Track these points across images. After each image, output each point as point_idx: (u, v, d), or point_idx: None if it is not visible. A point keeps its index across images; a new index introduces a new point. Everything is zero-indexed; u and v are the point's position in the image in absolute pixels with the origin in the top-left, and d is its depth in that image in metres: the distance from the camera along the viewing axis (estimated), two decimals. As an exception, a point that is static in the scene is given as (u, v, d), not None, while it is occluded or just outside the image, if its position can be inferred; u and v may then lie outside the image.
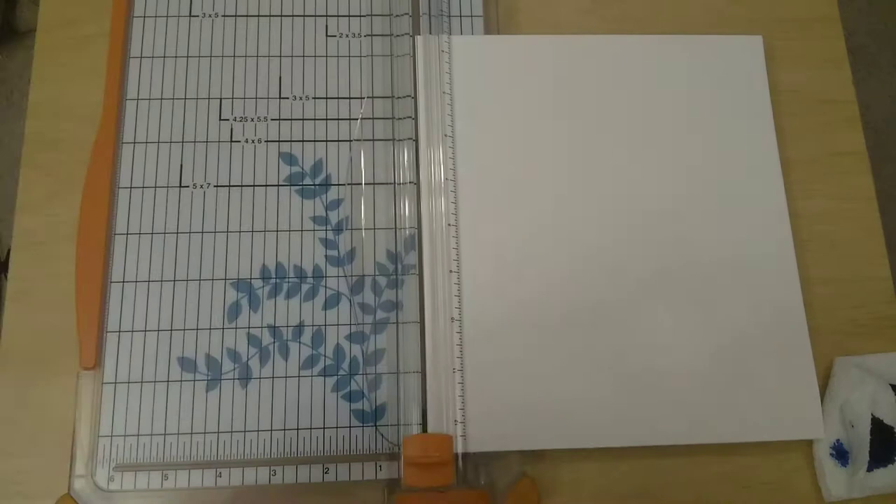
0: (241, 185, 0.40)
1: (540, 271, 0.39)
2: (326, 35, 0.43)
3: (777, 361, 0.39)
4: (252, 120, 0.41)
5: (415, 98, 0.41)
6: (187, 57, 0.42)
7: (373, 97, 0.42)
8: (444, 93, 0.41)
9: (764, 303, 0.40)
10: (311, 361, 0.38)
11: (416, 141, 0.41)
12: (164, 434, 0.37)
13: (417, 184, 0.40)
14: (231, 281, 0.39)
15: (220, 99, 0.41)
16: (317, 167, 0.41)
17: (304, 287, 0.39)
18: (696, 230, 0.40)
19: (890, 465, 0.38)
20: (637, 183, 0.41)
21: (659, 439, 0.37)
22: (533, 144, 0.41)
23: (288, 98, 0.42)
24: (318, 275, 0.39)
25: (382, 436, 0.37)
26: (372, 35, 0.43)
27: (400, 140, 0.41)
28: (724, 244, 0.40)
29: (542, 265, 0.39)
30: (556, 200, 0.40)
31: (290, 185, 0.41)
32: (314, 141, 0.41)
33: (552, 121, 0.42)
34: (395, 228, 0.40)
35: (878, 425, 0.38)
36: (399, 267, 0.39)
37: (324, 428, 0.37)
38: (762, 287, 0.40)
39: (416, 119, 0.41)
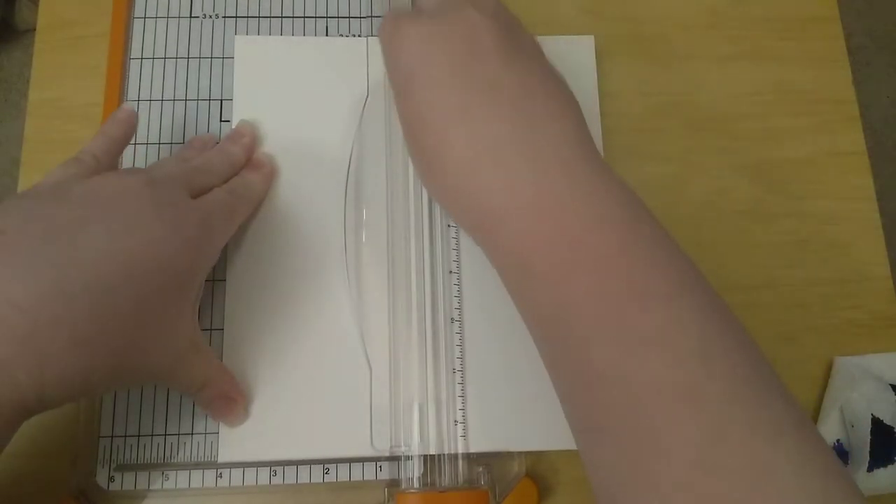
0: (242, 186, 0.40)
1: None
2: (327, 36, 0.43)
3: None
4: (252, 120, 0.41)
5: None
6: (187, 58, 0.42)
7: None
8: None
9: None
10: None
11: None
12: (165, 434, 0.37)
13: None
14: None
15: (221, 100, 0.41)
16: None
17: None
18: None
19: (890, 465, 0.38)
20: None
21: None
22: None
23: (288, 98, 0.42)
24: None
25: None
26: (372, 36, 0.43)
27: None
28: None
29: None
30: None
31: (291, 186, 0.40)
32: (314, 141, 0.41)
33: None
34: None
35: (877, 425, 0.38)
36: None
37: (324, 428, 0.37)
38: None
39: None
